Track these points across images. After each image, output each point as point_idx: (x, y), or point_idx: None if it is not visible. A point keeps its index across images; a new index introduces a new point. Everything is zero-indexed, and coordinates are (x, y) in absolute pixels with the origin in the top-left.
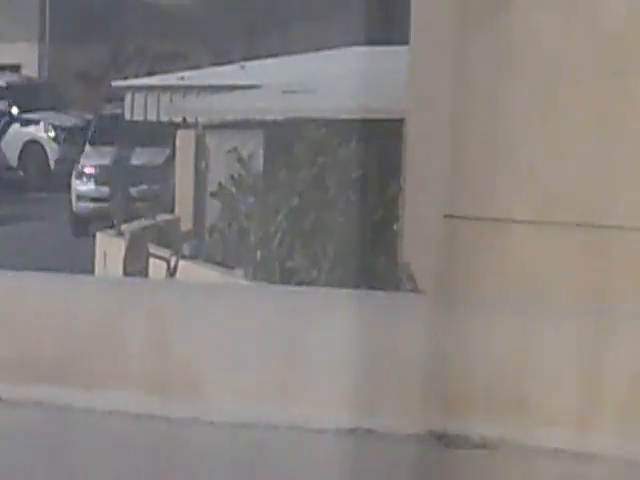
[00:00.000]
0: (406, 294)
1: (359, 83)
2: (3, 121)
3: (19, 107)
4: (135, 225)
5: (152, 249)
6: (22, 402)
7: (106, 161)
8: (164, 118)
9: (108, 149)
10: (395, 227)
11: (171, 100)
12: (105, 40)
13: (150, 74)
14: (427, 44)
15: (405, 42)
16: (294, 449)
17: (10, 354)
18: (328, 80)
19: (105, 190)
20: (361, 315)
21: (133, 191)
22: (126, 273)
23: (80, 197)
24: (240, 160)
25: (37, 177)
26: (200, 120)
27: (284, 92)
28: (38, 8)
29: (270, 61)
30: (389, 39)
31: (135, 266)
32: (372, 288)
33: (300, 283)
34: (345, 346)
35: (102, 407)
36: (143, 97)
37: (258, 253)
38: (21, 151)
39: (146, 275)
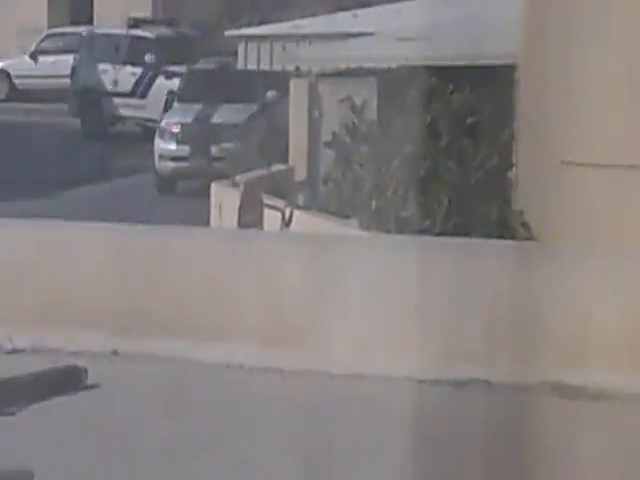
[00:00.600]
0: (521, 243)
1: (473, 29)
2: (150, 74)
3: (170, 60)
4: (249, 176)
5: (266, 200)
6: (138, 355)
7: (188, 119)
8: (277, 67)
9: (194, 106)
10: (509, 174)
11: (284, 49)
12: None
13: (263, 23)
14: None
15: None
16: (409, 401)
17: (124, 307)
18: (442, 27)
19: (185, 149)
20: (475, 265)
21: (214, 150)
22: (241, 224)
23: (161, 156)
24: (353, 109)
25: None
26: (313, 69)
27: (398, 39)
28: None
29: (383, 8)
30: None
31: (250, 217)
32: (486, 237)
33: (414, 232)
34: (459, 297)
35: (217, 360)
36: (256, 46)
37: (373, 202)
38: (165, 103)
39: (261, 226)
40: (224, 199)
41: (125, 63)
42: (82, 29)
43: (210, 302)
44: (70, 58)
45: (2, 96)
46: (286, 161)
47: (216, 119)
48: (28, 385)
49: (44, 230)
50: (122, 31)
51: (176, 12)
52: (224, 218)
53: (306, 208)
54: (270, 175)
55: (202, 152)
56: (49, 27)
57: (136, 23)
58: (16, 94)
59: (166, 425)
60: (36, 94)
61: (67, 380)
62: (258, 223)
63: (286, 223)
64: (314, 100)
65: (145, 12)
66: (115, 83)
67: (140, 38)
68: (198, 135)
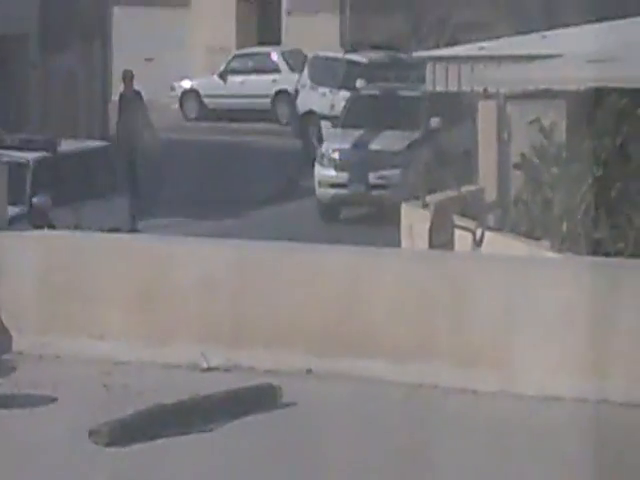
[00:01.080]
0: None
1: None
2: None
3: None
4: (440, 196)
5: (457, 220)
6: (332, 375)
7: (347, 145)
8: (465, 88)
9: (355, 132)
10: None
11: (472, 70)
12: (406, 10)
13: (450, 45)
14: None
15: None
16: (605, 424)
17: (317, 327)
18: (633, 48)
19: (344, 175)
20: None
21: (372, 177)
22: (432, 245)
23: (320, 182)
24: (542, 130)
25: None
26: (502, 90)
27: (588, 61)
28: None
29: (572, 29)
30: None
31: (441, 238)
32: None
33: (607, 254)
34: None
35: (410, 380)
36: (444, 68)
37: (563, 224)
38: None
39: (452, 247)
40: (414, 220)
41: (340, 87)
42: (269, 49)
43: (402, 322)
44: (258, 78)
45: (193, 115)
46: (474, 183)
47: (375, 146)
48: (224, 403)
49: (240, 249)
50: (339, 55)
51: (362, 35)
52: (414, 239)
53: (497, 229)
54: (460, 196)
55: (360, 179)
56: (237, 47)
57: (354, 48)
58: (206, 113)
59: (361, 444)
60: (225, 113)
61: (262, 398)
62: (449, 244)
63: (477, 244)
64: (503, 122)
65: (330, 33)
66: (332, 107)
67: (354, 62)
68: (356, 162)
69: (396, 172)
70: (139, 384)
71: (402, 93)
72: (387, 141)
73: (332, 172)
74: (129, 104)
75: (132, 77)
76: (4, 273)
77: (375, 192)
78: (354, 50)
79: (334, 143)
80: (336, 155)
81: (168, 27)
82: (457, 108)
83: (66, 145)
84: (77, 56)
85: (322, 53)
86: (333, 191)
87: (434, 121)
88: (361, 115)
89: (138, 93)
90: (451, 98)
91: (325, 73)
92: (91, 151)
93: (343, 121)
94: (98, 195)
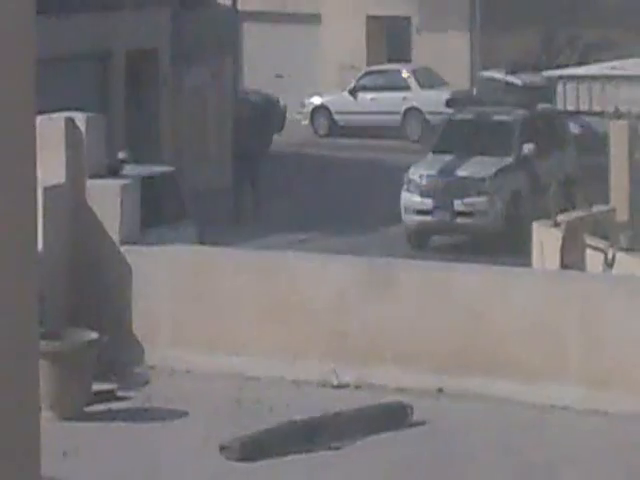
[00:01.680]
0: None
1: None
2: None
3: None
4: (571, 216)
5: (588, 240)
6: (462, 394)
7: (433, 171)
8: (596, 108)
9: (444, 158)
10: None
11: (603, 90)
12: (536, 29)
13: (581, 64)
14: None
15: None
16: None
17: (448, 345)
18: None
19: (429, 202)
20: None
21: (457, 204)
22: (563, 265)
23: (407, 209)
24: None
25: None
26: (633, 110)
27: None
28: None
29: None
30: None
31: (572, 257)
32: None
33: None
34: None
35: (541, 400)
36: (575, 87)
37: None
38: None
39: (583, 267)
40: (545, 239)
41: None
42: (399, 67)
43: (533, 343)
44: (388, 95)
45: (323, 131)
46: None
47: (461, 172)
48: (354, 420)
49: (373, 267)
50: (501, 76)
51: (492, 54)
52: (545, 258)
53: (628, 249)
54: (591, 216)
55: (445, 206)
56: (367, 64)
57: (516, 68)
58: (336, 129)
59: (491, 464)
60: (355, 130)
61: (393, 416)
62: (580, 263)
63: (609, 264)
64: (635, 142)
65: (460, 52)
66: None
67: (511, 84)
68: (441, 188)
69: (482, 199)
70: (271, 400)
71: (496, 118)
72: (474, 167)
73: (417, 198)
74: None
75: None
76: (137, 288)
77: (460, 220)
78: (514, 71)
79: (421, 169)
80: (422, 181)
81: (299, 43)
82: (557, 133)
83: (130, 169)
84: (208, 72)
85: (487, 73)
86: (418, 218)
87: (527, 147)
88: (453, 140)
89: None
90: (550, 122)
91: (487, 93)
92: (156, 176)
93: (435, 146)
94: (161, 222)
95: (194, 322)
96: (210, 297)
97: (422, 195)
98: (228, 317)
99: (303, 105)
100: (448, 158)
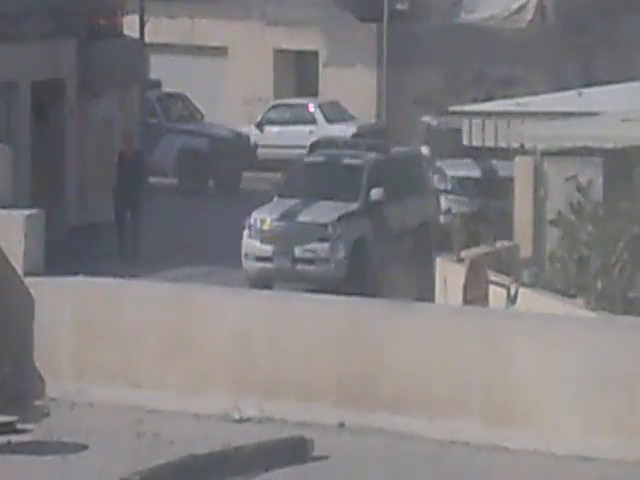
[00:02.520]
0: None
1: None
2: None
3: None
4: (475, 251)
5: (492, 276)
6: (364, 429)
7: (274, 215)
8: (502, 144)
9: (288, 202)
10: None
11: (509, 126)
12: (443, 65)
13: (487, 100)
14: None
15: None
16: None
17: (350, 380)
18: None
19: (269, 248)
20: None
21: (298, 251)
22: (466, 301)
23: (247, 255)
24: (579, 188)
25: None
26: (538, 147)
27: (623, 120)
28: (376, 35)
29: (608, 88)
30: None
31: (475, 293)
32: None
33: None
34: None
35: (442, 436)
36: (480, 123)
37: (598, 282)
38: None
39: (486, 302)
40: (449, 274)
41: None
42: (306, 101)
43: (435, 378)
44: (295, 129)
45: None
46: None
47: (303, 217)
48: (255, 455)
49: (275, 300)
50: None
51: (399, 88)
52: (448, 293)
53: (531, 285)
54: (495, 251)
55: (285, 252)
56: (275, 98)
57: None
58: None
59: None
60: (262, 163)
61: (294, 451)
62: (484, 299)
63: (512, 300)
64: (539, 178)
65: (367, 86)
66: None
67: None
68: (282, 234)
69: (324, 246)
70: (171, 433)
71: (346, 161)
72: (317, 213)
73: (257, 244)
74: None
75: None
76: (40, 319)
77: (301, 267)
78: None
79: (263, 213)
80: (263, 226)
81: (206, 76)
82: (413, 177)
83: None
84: (115, 103)
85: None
86: (259, 265)
87: (375, 192)
88: (300, 184)
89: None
90: (405, 166)
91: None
92: None
93: (281, 189)
94: None
95: (96, 354)
96: (113, 329)
97: (262, 241)
98: (130, 349)
99: None
100: (292, 202)
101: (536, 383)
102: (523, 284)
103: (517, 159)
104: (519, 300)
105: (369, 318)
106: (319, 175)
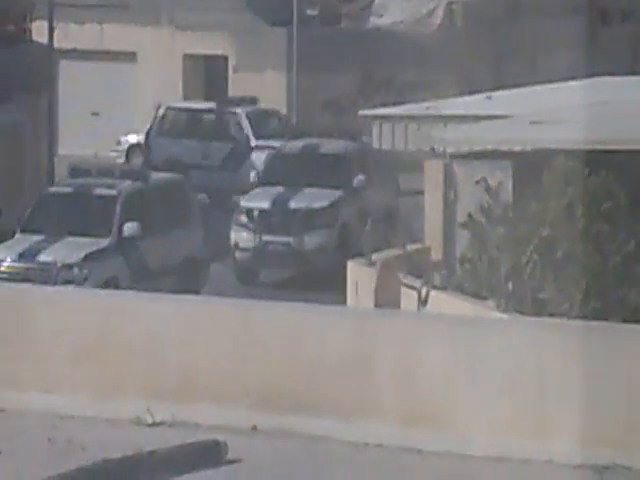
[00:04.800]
0: None
1: (606, 113)
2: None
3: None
4: (386, 254)
5: (403, 279)
6: (277, 431)
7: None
8: (412, 148)
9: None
10: None
11: (419, 129)
12: (353, 69)
13: (397, 103)
14: None
15: None
16: None
17: (263, 383)
18: (575, 111)
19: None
20: (614, 349)
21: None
22: (378, 304)
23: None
24: (489, 190)
25: None
26: (448, 150)
27: (532, 123)
28: (286, 39)
29: (517, 91)
30: (636, 70)
31: (387, 296)
32: (625, 321)
33: (552, 315)
34: (598, 381)
35: (356, 438)
36: (391, 127)
37: (509, 284)
38: None
39: (398, 305)
40: (360, 278)
41: None
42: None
43: (348, 380)
44: None
45: None
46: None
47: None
48: (169, 459)
49: (186, 305)
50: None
51: (309, 93)
52: (360, 296)
53: (442, 288)
54: (406, 254)
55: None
56: None
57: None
58: (153, 168)
59: None
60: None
61: (207, 454)
62: (395, 302)
63: (423, 302)
64: (449, 181)
65: (277, 91)
66: None
67: None
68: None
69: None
70: (84, 438)
71: (97, 192)
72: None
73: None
74: None
75: None
76: None
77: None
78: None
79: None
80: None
81: (115, 81)
82: (178, 206)
83: None
84: (23, 109)
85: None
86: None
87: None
88: (44, 218)
89: None
90: (170, 194)
91: None
92: None
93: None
94: None
95: (8, 360)
96: (24, 335)
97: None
98: (42, 355)
99: (119, 143)
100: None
101: (447, 385)
102: (434, 287)
103: (427, 162)
104: (430, 303)
105: (279, 321)
106: (64, 208)
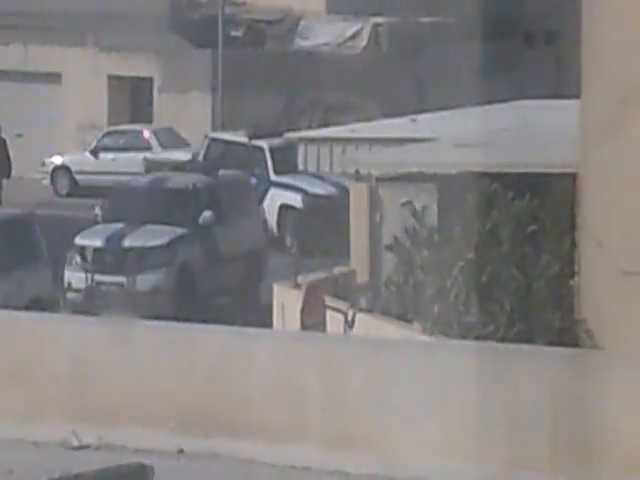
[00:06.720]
0: (584, 350)
1: (529, 136)
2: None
3: None
4: (312, 277)
5: (329, 301)
6: (203, 454)
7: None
8: (337, 170)
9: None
10: (571, 282)
11: (344, 152)
12: (278, 91)
13: (322, 126)
14: (598, 99)
15: (575, 96)
16: None
17: (189, 407)
18: (499, 134)
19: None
20: (538, 372)
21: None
22: (304, 326)
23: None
24: (414, 213)
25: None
26: (373, 173)
27: (456, 146)
28: (211, 61)
29: (441, 114)
30: (558, 93)
31: (313, 318)
32: (549, 344)
33: (477, 338)
34: (521, 404)
35: (282, 461)
36: (316, 149)
37: (435, 307)
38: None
39: (324, 328)
40: (286, 300)
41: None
42: (141, 127)
43: (274, 403)
44: (130, 155)
45: (64, 191)
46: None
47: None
48: None
49: (112, 328)
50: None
51: (234, 114)
52: (286, 319)
53: (368, 311)
54: (332, 277)
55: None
56: (109, 124)
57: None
58: (77, 190)
59: None
60: (97, 190)
61: (133, 477)
62: (321, 325)
63: (349, 325)
64: (374, 204)
65: (202, 112)
66: None
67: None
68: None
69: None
70: (10, 462)
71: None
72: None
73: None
74: None
75: None
76: None
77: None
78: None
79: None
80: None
81: (39, 102)
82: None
83: None
84: None
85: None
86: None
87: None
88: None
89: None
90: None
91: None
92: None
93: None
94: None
95: None
96: None
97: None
98: None
99: (44, 164)
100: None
101: (374, 407)
102: (360, 309)
103: (352, 186)
104: (356, 325)
105: (205, 344)
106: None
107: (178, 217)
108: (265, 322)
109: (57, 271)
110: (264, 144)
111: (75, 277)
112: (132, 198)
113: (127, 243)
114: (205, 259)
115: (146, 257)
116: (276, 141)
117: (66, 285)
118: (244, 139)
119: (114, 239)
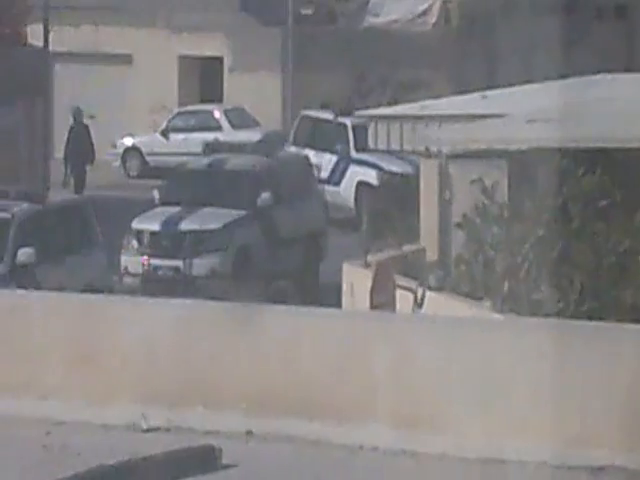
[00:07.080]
0: None
1: (603, 111)
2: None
3: None
4: (381, 256)
5: (399, 280)
6: (272, 436)
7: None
8: (407, 148)
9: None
10: None
11: (414, 130)
12: (348, 69)
13: (392, 103)
14: None
15: None
16: None
17: (257, 388)
18: (572, 109)
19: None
20: (609, 349)
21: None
22: (373, 306)
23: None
24: (484, 190)
25: None
26: (443, 150)
27: (527, 121)
28: (281, 40)
29: (512, 90)
30: (629, 67)
31: (382, 298)
32: (620, 320)
33: (547, 315)
34: (593, 381)
35: (350, 441)
36: (386, 127)
37: (505, 284)
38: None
39: (393, 307)
40: (355, 280)
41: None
42: (211, 107)
43: (343, 383)
44: (200, 136)
45: (134, 172)
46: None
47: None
48: (164, 464)
49: (182, 310)
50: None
51: (305, 94)
52: (356, 299)
53: (438, 289)
54: (402, 255)
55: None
56: (180, 105)
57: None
58: (148, 171)
59: None
60: (168, 171)
61: (202, 460)
62: (391, 304)
63: (419, 304)
64: (444, 181)
65: (273, 91)
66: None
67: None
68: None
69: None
70: (79, 444)
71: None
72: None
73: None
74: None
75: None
76: None
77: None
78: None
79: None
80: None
81: (111, 84)
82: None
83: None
84: (18, 112)
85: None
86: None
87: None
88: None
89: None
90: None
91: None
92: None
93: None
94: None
95: (1, 366)
96: (19, 341)
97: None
98: (36, 361)
99: (115, 146)
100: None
101: (443, 387)
102: (430, 288)
103: (422, 162)
104: (426, 304)
105: (274, 325)
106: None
107: (236, 199)
108: (326, 305)
109: (113, 256)
110: (347, 121)
111: (132, 261)
112: (190, 180)
113: (184, 227)
114: (263, 242)
115: (203, 241)
116: (359, 119)
117: (122, 270)
118: (330, 116)
119: (171, 223)
